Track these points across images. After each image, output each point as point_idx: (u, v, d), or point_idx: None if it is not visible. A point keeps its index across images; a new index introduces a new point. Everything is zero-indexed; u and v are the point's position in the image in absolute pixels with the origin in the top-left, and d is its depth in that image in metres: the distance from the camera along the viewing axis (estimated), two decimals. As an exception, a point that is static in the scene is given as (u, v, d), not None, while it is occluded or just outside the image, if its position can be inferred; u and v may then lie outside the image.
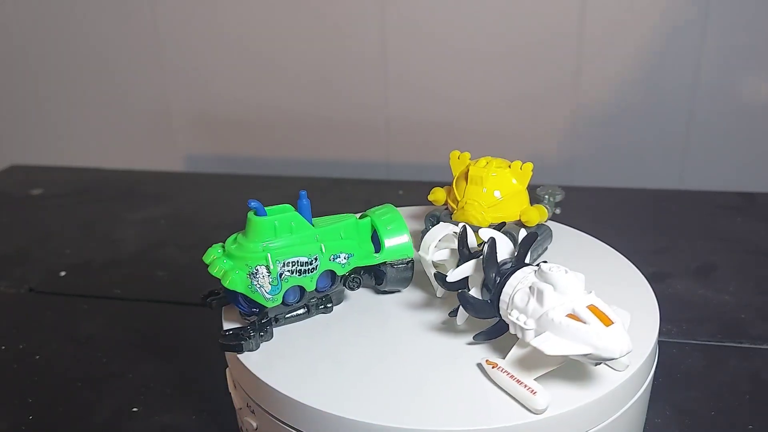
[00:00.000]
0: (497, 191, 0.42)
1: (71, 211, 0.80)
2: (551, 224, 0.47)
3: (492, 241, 0.34)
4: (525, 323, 0.31)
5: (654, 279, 0.42)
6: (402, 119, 0.94)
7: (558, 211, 0.47)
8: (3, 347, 0.52)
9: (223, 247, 0.36)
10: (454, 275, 0.35)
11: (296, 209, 0.36)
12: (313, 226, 0.36)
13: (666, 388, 0.45)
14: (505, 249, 0.35)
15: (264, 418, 0.34)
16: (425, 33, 0.89)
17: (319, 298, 0.38)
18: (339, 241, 0.37)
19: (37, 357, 0.51)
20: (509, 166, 0.43)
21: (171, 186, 0.88)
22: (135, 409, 0.45)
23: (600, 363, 0.31)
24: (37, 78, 1.04)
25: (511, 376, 0.31)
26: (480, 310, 0.33)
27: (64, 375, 0.49)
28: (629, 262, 0.43)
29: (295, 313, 0.37)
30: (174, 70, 0.99)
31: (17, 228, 0.77)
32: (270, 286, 0.35)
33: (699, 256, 0.63)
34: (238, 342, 0.35)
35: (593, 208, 0.74)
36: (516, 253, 0.34)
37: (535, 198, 0.45)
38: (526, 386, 0.30)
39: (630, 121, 0.89)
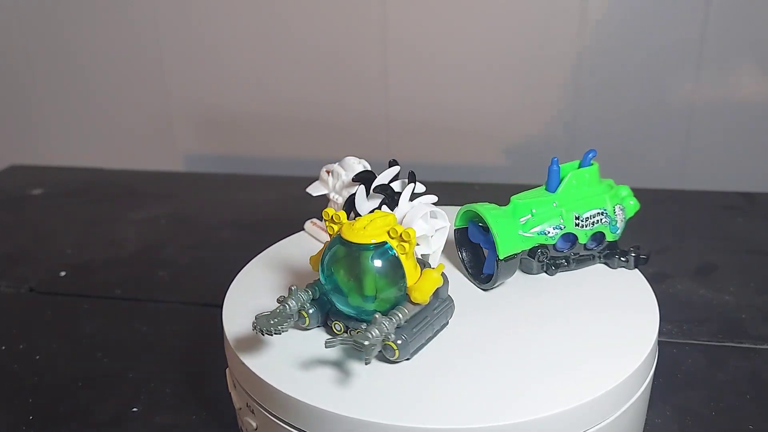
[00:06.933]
0: None
1: (71, 211, 0.80)
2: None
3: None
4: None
5: (654, 279, 0.42)
6: (402, 119, 0.94)
7: None
8: (3, 347, 0.52)
9: None
10: None
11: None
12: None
13: (666, 388, 0.45)
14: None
15: (264, 418, 0.34)
16: (426, 32, 0.89)
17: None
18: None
19: (37, 357, 0.51)
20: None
21: (171, 186, 0.88)
22: (135, 409, 0.45)
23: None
24: (37, 78, 1.04)
25: None
26: None
27: (64, 375, 0.49)
28: (629, 262, 0.43)
29: None
30: (174, 70, 0.99)
31: (17, 228, 0.77)
32: None
33: (699, 256, 0.63)
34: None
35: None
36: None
37: None
38: None
39: (630, 121, 0.89)
